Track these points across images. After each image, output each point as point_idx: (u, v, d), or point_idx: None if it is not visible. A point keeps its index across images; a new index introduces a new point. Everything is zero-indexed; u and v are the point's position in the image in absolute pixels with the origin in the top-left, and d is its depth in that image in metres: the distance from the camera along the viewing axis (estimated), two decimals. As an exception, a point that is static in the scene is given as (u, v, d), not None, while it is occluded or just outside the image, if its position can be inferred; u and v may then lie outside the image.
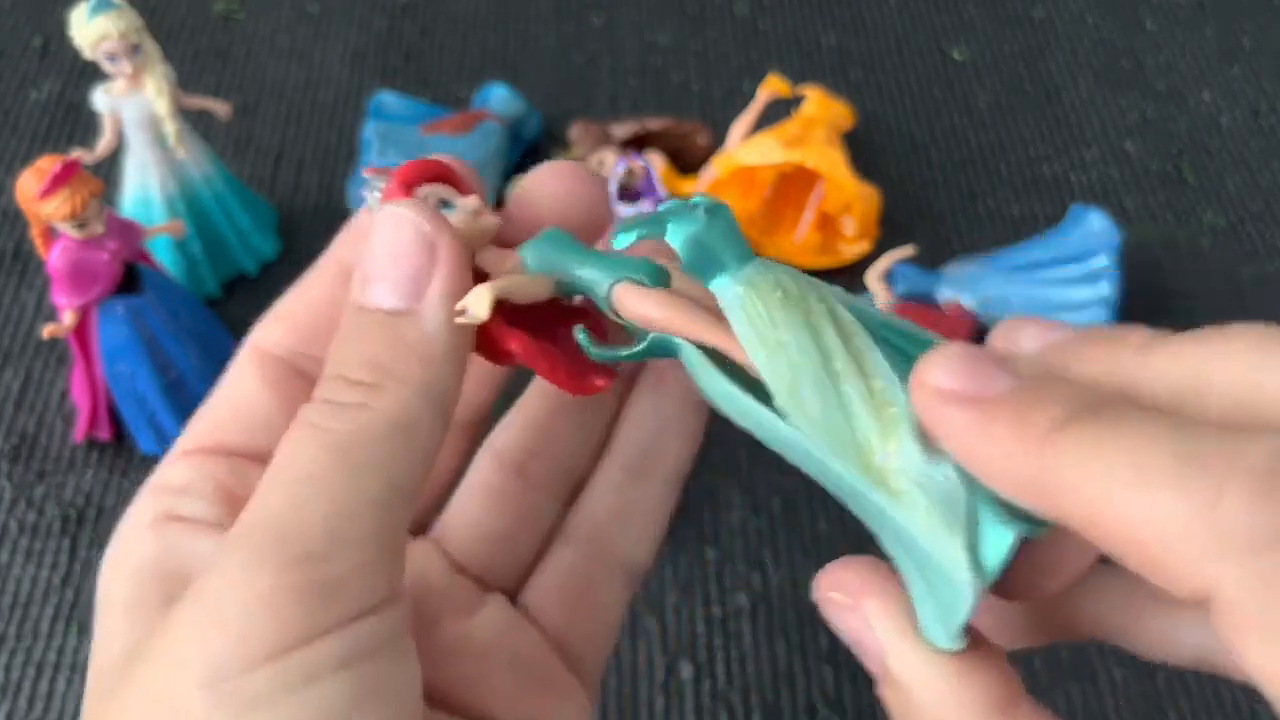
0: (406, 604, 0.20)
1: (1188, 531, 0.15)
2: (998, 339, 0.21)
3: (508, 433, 0.27)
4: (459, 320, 0.21)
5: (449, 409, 0.21)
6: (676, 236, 0.22)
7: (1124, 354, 0.19)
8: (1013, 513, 0.18)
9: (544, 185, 0.24)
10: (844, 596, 0.20)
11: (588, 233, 0.24)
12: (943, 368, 0.18)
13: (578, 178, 0.24)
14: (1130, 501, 0.15)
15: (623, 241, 0.22)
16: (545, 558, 0.26)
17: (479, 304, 0.21)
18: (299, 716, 0.18)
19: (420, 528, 0.26)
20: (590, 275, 0.22)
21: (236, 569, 0.19)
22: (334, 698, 0.18)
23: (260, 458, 0.22)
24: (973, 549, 0.18)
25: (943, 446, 0.18)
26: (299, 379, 0.23)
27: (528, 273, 0.23)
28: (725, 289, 0.22)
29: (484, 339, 0.22)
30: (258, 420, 0.23)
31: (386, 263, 0.21)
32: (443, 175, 0.23)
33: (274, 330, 0.24)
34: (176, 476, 0.23)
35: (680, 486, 0.27)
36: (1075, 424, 0.16)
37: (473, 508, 0.26)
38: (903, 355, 0.21)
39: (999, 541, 0.18)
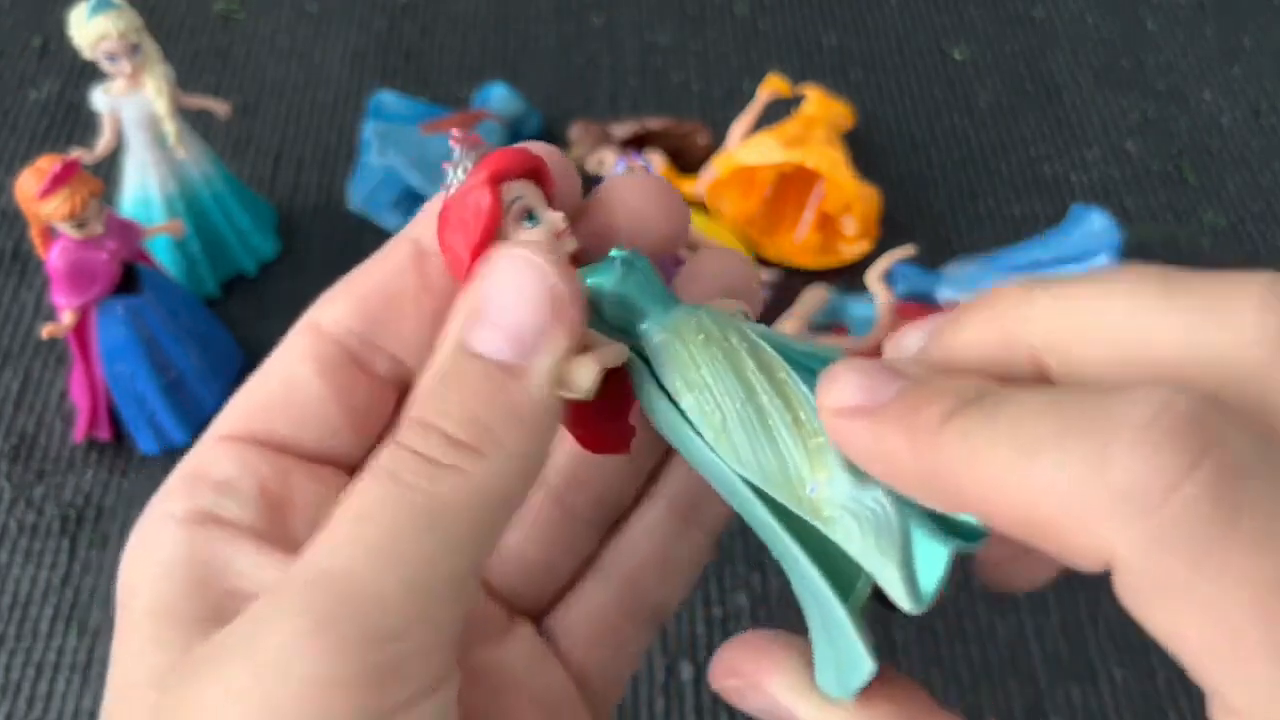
0: (459, 677, 0.19)
1: (1078, 499, 0.14)
2: (888, 350, 0.21)
3: (551, 459, 0.25)
4: (561, 393, 0.19)
5: (538, 474, 0.20)
6: (597, 289, 0.21)
7: (1006, 311, 0.18)
8: (947, 527, 0.18)
9: (624, 197, 0.22)
10: (739, 680, 0.20)
11: (665, 248, 0.23)
12: (837, 385, 0.18)
13: (661, 191, 0.22)
14: (1020, 478, 0.15)
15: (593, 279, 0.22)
16: (576, 589, 0.25)
17: (585, 377, 0.20)
18: None
19: None
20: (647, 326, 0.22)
21: (299, 634, 0.17)
22: None
23: (307, 455, 0.21)
24: (908, 571, 0.18)
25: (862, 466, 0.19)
26: (355, 368, 0.22)
27: (599, 305, 0.22)
28: (649, 336, 0.21)
29: None
30: (310, 412, 0.21)
31: (504, 309, 0.19)
32: (535, 171, 0.21)
33: (335, 308, 0.21)
34: (216, 467, 0.21)
35: (719, 539, 0.26)
36: (959, 415, 0.16)
37: (509, 533, 0.24)
38: None
39: (934, 560, 0.18)
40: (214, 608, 0.19)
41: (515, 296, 0.19)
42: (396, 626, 0.17)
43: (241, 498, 0.20)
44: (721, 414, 0.20)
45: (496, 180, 0.21)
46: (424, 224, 0.22)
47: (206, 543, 0.20)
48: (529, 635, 0.25)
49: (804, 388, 0.20)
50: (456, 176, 0.21)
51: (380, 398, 0.22)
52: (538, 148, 0.22)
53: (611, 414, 0.23)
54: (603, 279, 0.21)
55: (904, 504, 0.18)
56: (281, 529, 0.20)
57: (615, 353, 0.21)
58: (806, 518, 0.19)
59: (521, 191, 0.21)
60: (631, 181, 0.23)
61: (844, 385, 0.18)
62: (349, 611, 0.17)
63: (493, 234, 0.21)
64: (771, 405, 0.20)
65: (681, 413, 0.21)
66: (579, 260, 0.22)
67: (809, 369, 0.21)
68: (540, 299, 0.19)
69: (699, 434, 0.21)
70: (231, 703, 0.17)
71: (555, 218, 0.21)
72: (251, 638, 0.17)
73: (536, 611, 0.25)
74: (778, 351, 0.21)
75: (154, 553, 0.20)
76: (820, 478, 0.19)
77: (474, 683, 0.23)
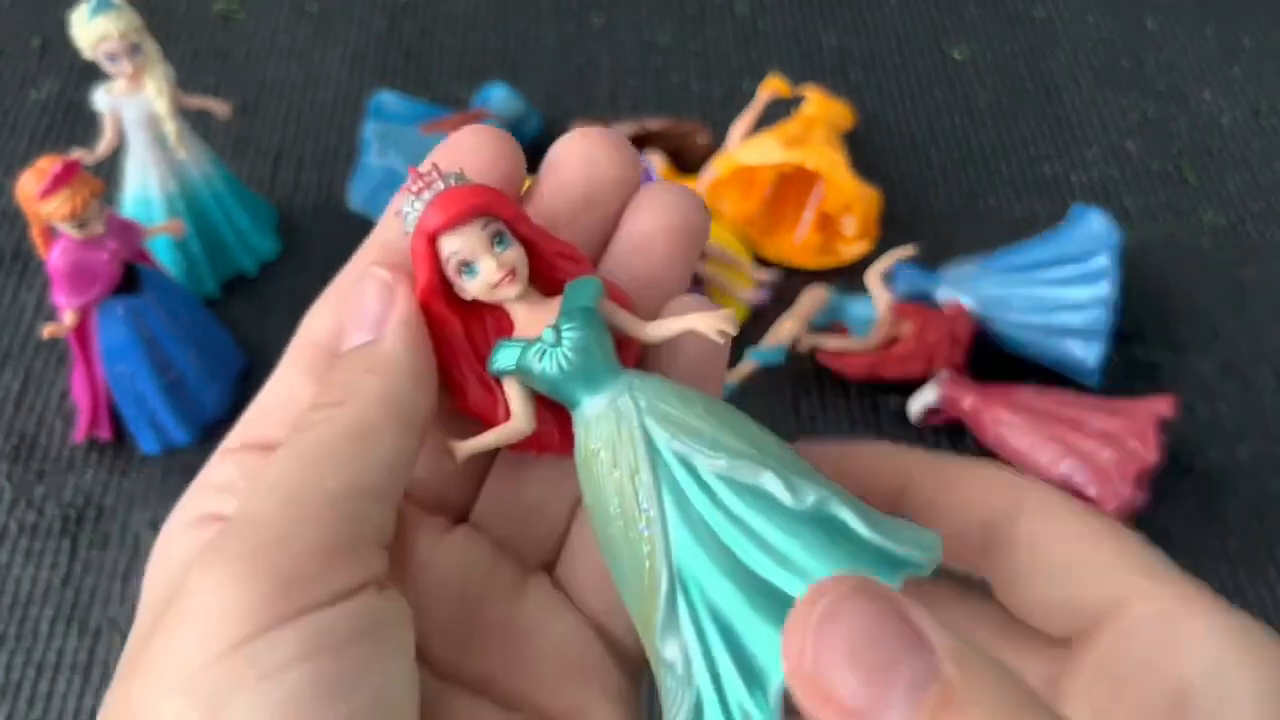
0: (383, 602, 0.20)
1: None
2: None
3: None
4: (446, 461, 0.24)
5: (414, 419, 0.22)
6: (525, 370, 0.23)
7: (993, 500, 0.23)
8: None
9: (574, 152, 0.25)
10: None
11: (618, 194, 0.25)
12: (825, 655, 0.16)
13: (608, 142, 0.25)
14: None
15: (495, 365, 0.23)
16: (574, 535, 0.26)
17: (452, 458, 0.24)
18: (260, 709, 0.18)
19: (461, 517, 0.26)
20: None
21: (201, 567, 0.19)
22: (295, 690, 0.18)
23: None
24: None
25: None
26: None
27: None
28: (575, 423, 0.23)
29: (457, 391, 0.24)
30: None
31: (358, 313, 0.23)
32: (486, 208, 0.23)
33: (321, 317, 0.25)
34: (219, 475, 0.23)
35: None
36: None
37: (501, 482, 0.26)
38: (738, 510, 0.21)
39: None
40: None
41: (362, 301, 0.23)
42: (277, 535, 0.20)
43: (239, 494, 0.22)
44: (600, 526, 0.22)
45: (433, 237, 0.23)
46: (390, 226, 0.25)
47: (205, 537, 0.22)
48: (544, 588, 0.25)
49: (660, 538, 0.21)
50: (414, 208, 0.23)
51: None
52: (471, 188, 0.23)
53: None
54: (530, 363, 0.23)
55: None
56: None
57: (508, 434, 0.23)
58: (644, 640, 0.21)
59: (459, 246, 0.23)
60: (582, 137, 0.25)
61: (830, 659, 0.16)
62: (238, 538, 0.20)
63: (435, 284, 0.23)
64: (633, 545, 0.21)
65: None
66: (539, 211, 0.24)
67: (709, 490, 0.21)
68: (377, 291, 0.23)
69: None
70: (163, 647, 0.19)
71: (489, 269, 0.23)
72: (179, 593, 0.20)
73: (546, 561, 0.26)
74: (677, 478, 0.21)
75: (165, 560, 0.22)
76: (649, 638, 0.21)
77: (494, 641, 0.24)
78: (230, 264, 0.64)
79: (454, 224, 0.23)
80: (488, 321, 0.24)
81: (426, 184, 0.23)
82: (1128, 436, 0.53)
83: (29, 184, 0.49)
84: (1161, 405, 0.54)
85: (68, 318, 0.53)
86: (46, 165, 0.49)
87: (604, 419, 0.22)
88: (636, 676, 0.25)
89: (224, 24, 0.80)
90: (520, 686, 0.24)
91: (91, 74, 0.58)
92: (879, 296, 0.60)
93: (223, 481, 0.23)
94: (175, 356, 0.56)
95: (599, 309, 0.23)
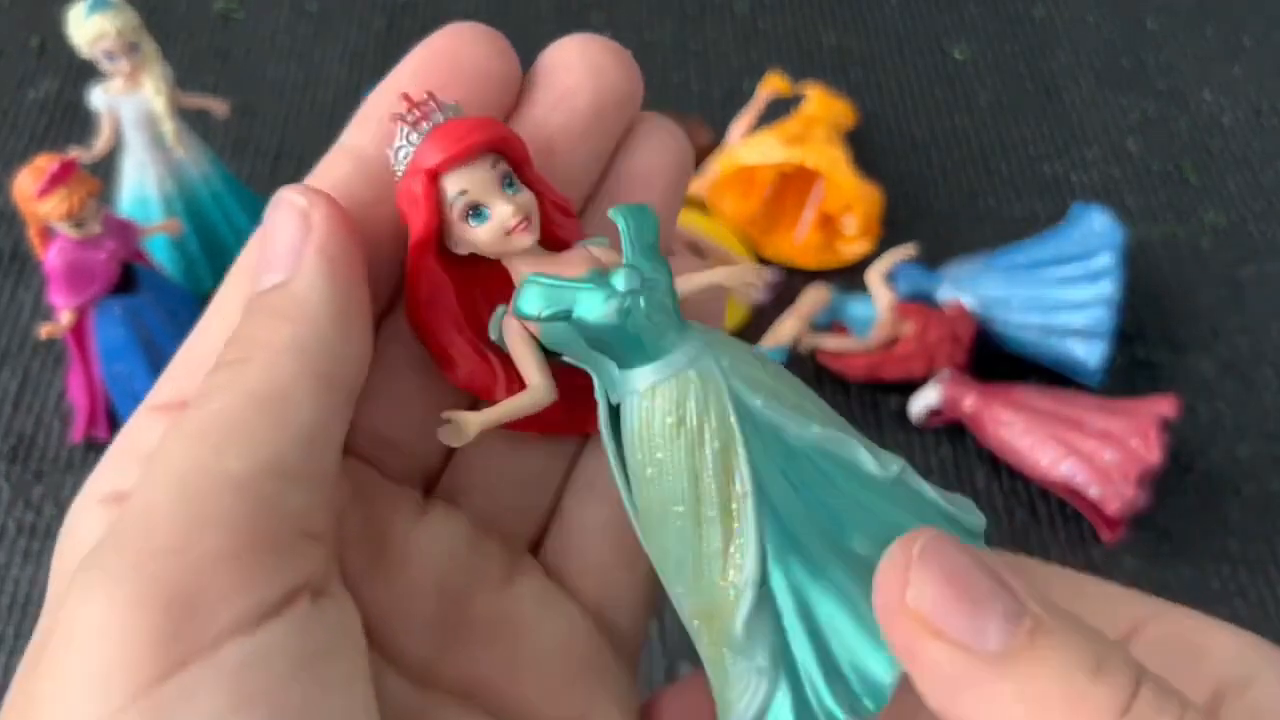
0: (321, 615, 0.17)
1: None
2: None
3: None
4: (443, 439, 0.20)
5: (339, 375, 0.18)
6: (579, 319, 0.19)
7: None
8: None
9: (576, 59, 0.21)
10: None
11: (624, 114, 0.21)
12: (923, 584, 0.17)
13: (612, 50, 0.21)
14: None
15: (527, 308, 0.19)
16: (568, 511, 0.23)
17: (456, 436, 0.20)
18: None
19: (430, 485, 0.22)
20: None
21: (81, 591, 0.16)
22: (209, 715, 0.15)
23: None
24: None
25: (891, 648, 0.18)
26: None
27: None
28: (623, 390, 0.19)
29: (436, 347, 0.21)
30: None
31: (271, 246, 0.19)
32: (496, 144, 0.19)
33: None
34: (138, 439, 0.19)
35: None
36: None
37: (477, 450, 0.22)
38: (834, 479, 0.19)
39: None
40: None
41: (275, 230, 0.19)
42: (175, 541, 0.16)
43: None
44: (660, 509, 0.19)
45: (435, 174, 0.19)
46: (362, 132, 0.21)
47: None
48: (535, 575, 0.22)
49: (751, 521, 0.18)
50: (409, 143, 0.20)
51: None
52: (479, 122, 0.19)
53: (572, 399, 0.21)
54: (587, 308, 0.19)
55: (776, 684, 0.19)
56: None
57: (515, 409, 0.20)
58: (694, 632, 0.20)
59: (468, 185, 0.19)
60: (579, 43, 0.21)
61: (933, 591, 0.16)
62: (126, 546, 0.16)
63: (433, 232, 0.20)
64: (714, 521, 0.19)
65: (625, 472, 0.20)
66: (529, 130, 0.20)
67: (813, 462, 0.19)
68: (290, 218, 0.19)
69: (631, 502, 0.20)
70: (52, 695, 0.16)
71: (504, 213, 0.19)
72: (63, 622, 0.16)
73: (531, 540, 0.23)
74: (780, 427, 0.19)
75: (73, 540, 0.19)
76: (714, 626, 0.19)
77: (483, 637, 0.21)
78: (228, 263, 0.64)
79: (461, 160, 0.19)
80: (479, 283, 0.21)
81: (424, 114, 0.20)
82: (1129, 436, 0.53)
83: (26, 183, 0.49)
84: (1163, 405, 0.54)
85: (65, 318, 0.53)
86: (44, 164, 0.49)
87: (681, 384, 0.19)
88: (635, 667, 0.23)
89: (223, 23, 0.80)
90: (516, 691, 0.20)
91: (90, 73, 0.58)
92: (880, 296, 0.60)
93: (142, 448, 0.18)
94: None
95: None
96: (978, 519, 0.20)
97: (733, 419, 0.18)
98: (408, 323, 0.21)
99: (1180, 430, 0.57)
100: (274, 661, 0.16)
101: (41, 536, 0.54)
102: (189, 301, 0.58)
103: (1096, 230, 0.60)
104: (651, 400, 0.19)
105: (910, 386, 0.59)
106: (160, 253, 0.61)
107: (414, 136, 0.20)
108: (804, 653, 0.19)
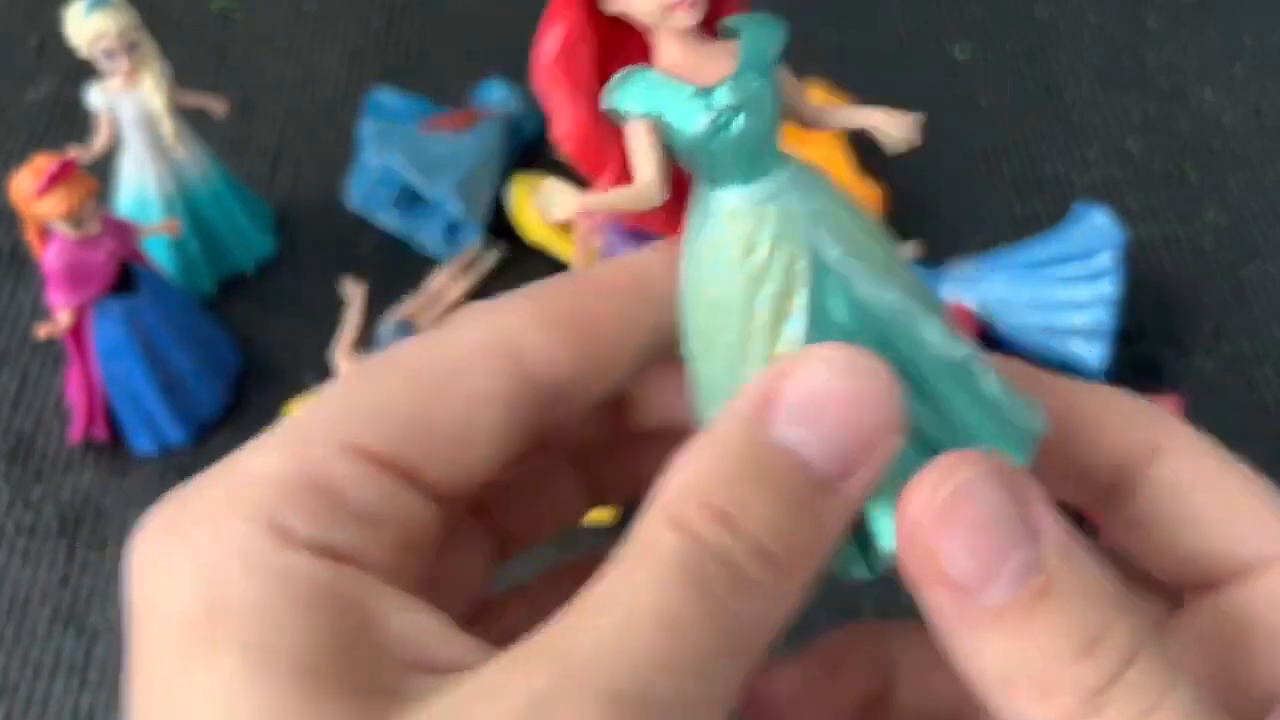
0: None
1: None
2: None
3: None
4: (537, 205, 0.18)
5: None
6: (677, 123, 0.18)
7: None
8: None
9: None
10: None
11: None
12: (942, 512, 0.16)
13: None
14: None
15: (619, 101, 0.18)
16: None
17: (553, 207, 0.18)
18: None
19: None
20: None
21: None
22: None
23: (440, 494, 0.18)
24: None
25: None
26: (538, 403, 0.19)
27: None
28: (707, 207, 0.18)
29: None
30: (476, 451, 0.18)
31: (822, 408, 0.16)
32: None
33: (538, 329, 0.19)
34: (352, 490, 0.16)
35: None
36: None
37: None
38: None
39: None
40: (360, 673, 0.15)
41: (842, 400, 0.16)
42: None
43: (384, 541, 0.17)
44: (707, 335, 0.18)
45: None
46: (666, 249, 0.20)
47: (350, 586, 0.16)
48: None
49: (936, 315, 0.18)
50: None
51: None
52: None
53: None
54: (682, 115, 0.17)
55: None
56: (408, 580, 0.17)
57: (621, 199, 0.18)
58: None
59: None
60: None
61: (954, 540, 0.16)
62: None
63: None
64: (750, 368, 0.18)
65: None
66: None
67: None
68: (870, 405, 0.16)
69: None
70: None
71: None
72: None
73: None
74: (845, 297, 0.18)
75: (267, 571, 0.15)
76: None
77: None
78: (228, 263, 0.64)
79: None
80: (619, 50, 0.19)
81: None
82: (1130, 437, 0.53)
83: (24, 183, 0.49)
84: (1164, 405, 0.54)
85: (63, 318, 0.52)
86: (42, 164, 0.49)
87: (758, 216, 0.18)
88: None
89: (222, 22, 0.80)
90: None
91: (89, 73, 0.58)
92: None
93: (363, 511, 0.16)
94: (172, 356, 0.56)
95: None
96: (1036, 424, 0.19)
97: (800, 264, 0.17)
98: (534, 75, 0.19)
99: (1181, 430, 0.57)
100: None
101: (40, 537, 0.54)
102: (188, 301, 0.58)
103: (1097, 230, 0.60)
104: (727, 225, 0.18)
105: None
106: (159, 253, 0.60)
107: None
108: None
